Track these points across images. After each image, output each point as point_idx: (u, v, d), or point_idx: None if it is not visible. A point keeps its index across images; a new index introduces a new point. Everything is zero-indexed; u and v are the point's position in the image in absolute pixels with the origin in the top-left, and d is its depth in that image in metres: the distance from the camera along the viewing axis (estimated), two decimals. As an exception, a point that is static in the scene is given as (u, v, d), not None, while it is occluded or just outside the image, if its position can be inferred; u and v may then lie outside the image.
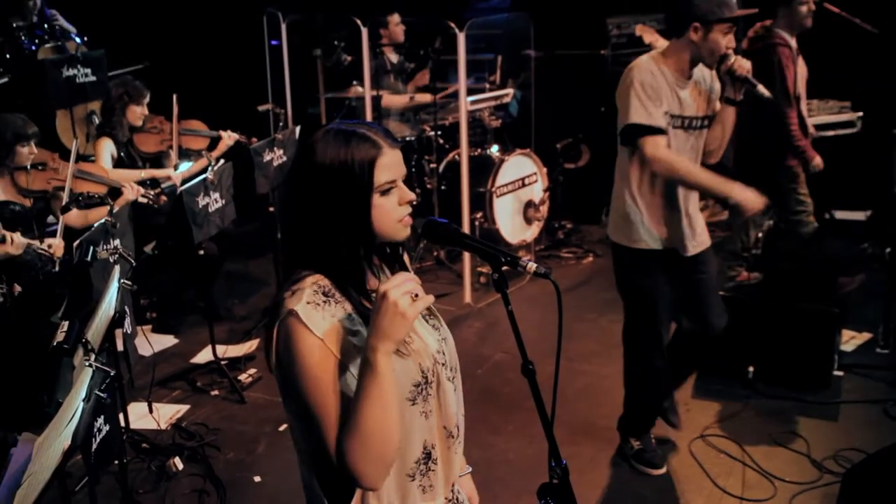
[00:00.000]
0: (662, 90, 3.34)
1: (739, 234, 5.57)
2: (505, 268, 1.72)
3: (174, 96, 5.23)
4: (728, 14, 3.25)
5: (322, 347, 1.58)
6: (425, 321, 1.78)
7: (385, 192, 1.65)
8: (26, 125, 4.38)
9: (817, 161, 4.98)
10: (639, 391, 3.82)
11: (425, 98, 6.42)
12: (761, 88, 3.30)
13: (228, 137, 5.56)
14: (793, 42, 4.84)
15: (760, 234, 5.66)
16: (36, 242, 3.95)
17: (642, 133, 3.32)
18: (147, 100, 5.27)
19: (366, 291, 1.69)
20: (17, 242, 3.83)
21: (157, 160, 5.39)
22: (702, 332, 3.72)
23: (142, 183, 4.92)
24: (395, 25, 6.64)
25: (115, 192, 4.81)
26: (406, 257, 1.88)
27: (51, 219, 4.55)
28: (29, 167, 4.40)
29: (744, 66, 3.29)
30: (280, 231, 1.75)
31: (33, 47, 6.23)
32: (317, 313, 1.59)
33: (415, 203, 1.72)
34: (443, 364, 1.75)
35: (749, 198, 3.27)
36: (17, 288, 3.86)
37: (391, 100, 6.58)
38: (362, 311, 1.64)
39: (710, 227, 3.84)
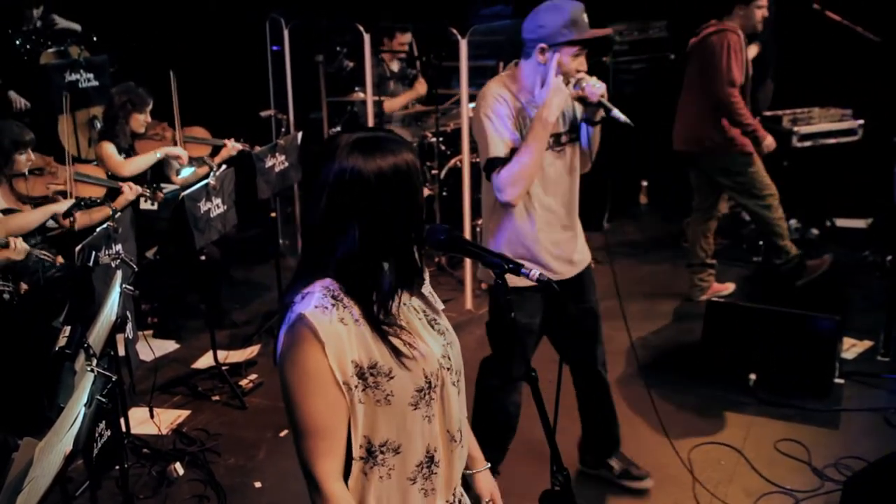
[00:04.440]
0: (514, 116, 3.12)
1: (698, 243, 5.57)
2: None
3: (175, 104, 5.23)
4: (578, 36, 3.04)
5: (320, 357, 1.60)
6: (430, 326, 1.78)
7: None
8: (23, 132, 4.41)
9: (769, 141, 5.20)
10: None
11: (420, 108, 6.44)
12: (617, 112, 3.07)
13: (232, 147, 5.57)
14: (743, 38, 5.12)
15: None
16: (37, 251, 4.02)
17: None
18: (150, 107, 5.26)
19: (369, 295, 1.68)
20: (19, 248, 3.93)
21: (160, 167, 5.37)
22: None
23: (140, 183, 4.93)
24: (399, 45, 6.66)
25: (114, 193, 4.83)
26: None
27: (51, 223, 4.56)
28: (27, 173, 4.42)
29: (596, 91, 3.06)
30: (303, 243, 1.75)
31: (36, 49, 6.23)
32: (325, 317, 1.62)
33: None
34: (447, 368, 1.75)
35: (555, 102, 3.01)
36: (24, 286, 3.89)
37: (392, 104, 6.59)
38: (369, 315, 1.66)
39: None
